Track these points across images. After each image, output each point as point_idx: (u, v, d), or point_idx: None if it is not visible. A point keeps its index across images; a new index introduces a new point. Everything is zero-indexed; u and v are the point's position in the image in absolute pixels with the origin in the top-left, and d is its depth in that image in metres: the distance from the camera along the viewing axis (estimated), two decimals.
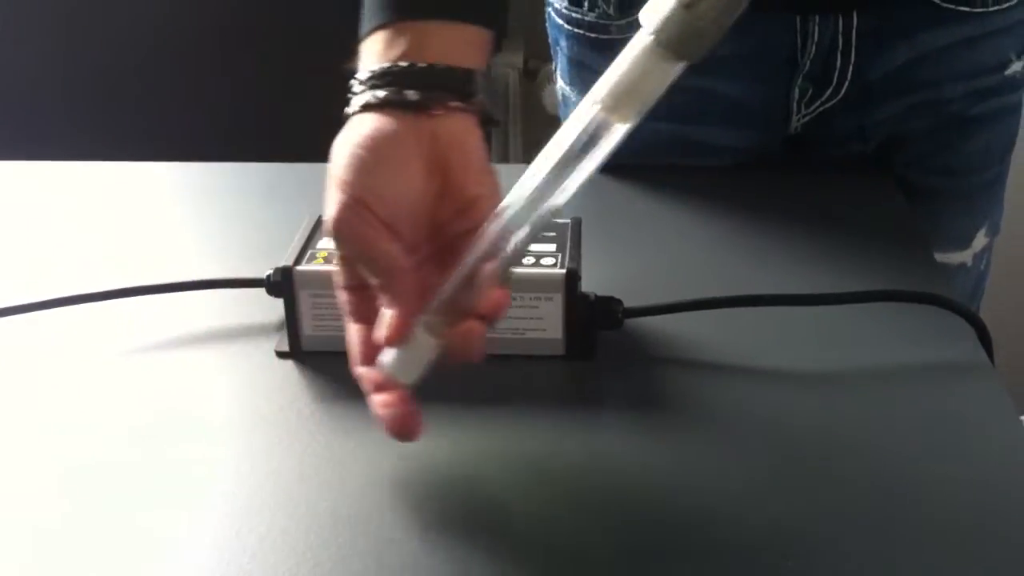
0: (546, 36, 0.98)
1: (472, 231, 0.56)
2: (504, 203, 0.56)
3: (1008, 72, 0.89)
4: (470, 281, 0.55)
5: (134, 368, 0.69)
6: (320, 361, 0.68)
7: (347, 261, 0.59)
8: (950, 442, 0.60)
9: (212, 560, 0.54)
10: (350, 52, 0.61)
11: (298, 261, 0.67)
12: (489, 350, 0.67)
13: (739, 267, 0.77)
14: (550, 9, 0.94)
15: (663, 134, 0.91)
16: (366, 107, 0.58)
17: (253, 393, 0.66)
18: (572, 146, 0.55)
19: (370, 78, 0.59)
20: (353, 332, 0.59)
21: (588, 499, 0.57)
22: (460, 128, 0.59)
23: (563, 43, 0.93)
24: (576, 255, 0.67)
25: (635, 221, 0.86)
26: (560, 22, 0.92)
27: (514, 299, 0.66)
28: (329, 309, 0.67)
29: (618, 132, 0.54)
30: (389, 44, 0.59)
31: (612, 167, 0.91)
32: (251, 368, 0.68)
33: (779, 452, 0.60)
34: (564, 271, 0.65)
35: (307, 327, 0.68)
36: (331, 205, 0.57)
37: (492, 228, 0.55)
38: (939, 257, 0.91)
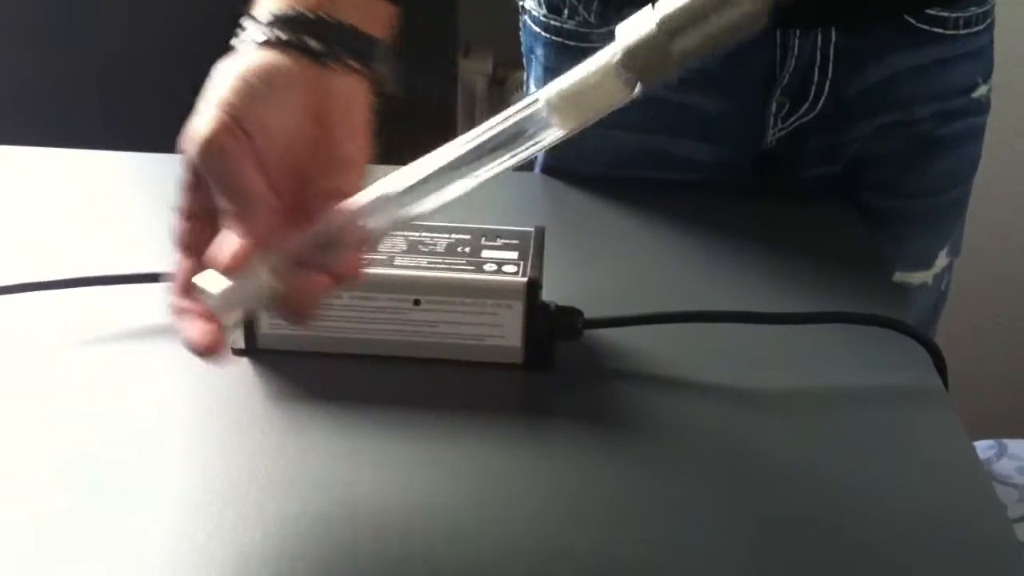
0: (515, 44, 0.98)
1: (336, 193, 0.56)
2: (400, 173, 0.55)
3: (975, 95, 0.90)
4: (334, 238, 0.54)
5: (85, 361, 0.68)
6: (275, 359, 0.68)
7: (197, 185, 0.56)
8: (902, 466, 0.61)
9: (159, 556, 0.53)
10: None
11: None
12: (447, 356, 0.67)
13: (699, 283, 0.77)
14: (526, 17, 0.94)
15: (634, 145, 0.91)
16: (265, 43, 0.57)
17: (207, 390, 0.66)
18: (497, 136, 0.54)
19: (274, 21, 0.58)
20: (183, 263, 0.56)
21: (541, 510, 0.57)
22: (351, 88, 0.59)
23: (539, 51, 0.93)
24: (538, 264, 0.67)
25: (599, 232, 0.86)
26: (537, 30, 0.92)
27: (474, 305, 0.66)
28: None
29: (551, 135, 0.53)
30: None
31: (580, 177, 0.93)
32: (206, 364, 0.67)
33: (729, 470, 0.60)
34: (525, 279, 0.65)
35: (265, 324, 0.67)
36: (205, 123, 0.54)
37: (375, 191, 0.54)
38: (901, 277, 0.92)
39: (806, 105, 0.88)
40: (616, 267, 0.80)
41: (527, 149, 0.55)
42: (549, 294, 0.67)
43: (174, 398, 0.65)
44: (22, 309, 0.72)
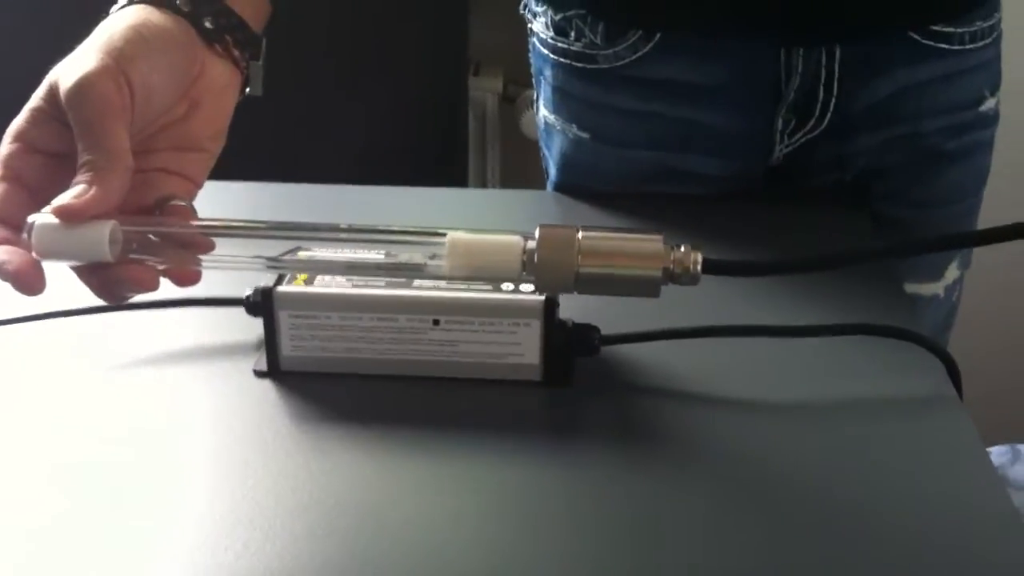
0: (525, 63, 0.99)
1: (176, 174, 0.56)
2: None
3: (982, 108, 0.91)
4: (185, 241, 0.54)
5: (112, 384, 0.69)
6: (298, 381, 0.68)
7: (51, 118, 0.53)
8: (919, 475, 0.61)
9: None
10: None
11: (278, 281, 0.68)
12: (467, 374, 0.68)
13: (713, 297, 0.78)
14: (534, 39, 0.95)
15: (646, 162, 0.92)
16: (158, 3, 0.57)
17: (231, 412, 0.66)
18: (390, 241, 0.56)
19: None
20: (8, 189, 0.53)
21: (562, 526, 0.58)
22: (226, 77, 0.60)
23: (548, 72, 0.94)
24: None
25: None
26: (545, 52, 0.93)
27: (492, 324, 0.66)
28: (308, 330, 0.67)
29: (433, 268, 0.56)
30: None
31: (593, 193, 0.93)
32: (229, 386, 0.69)
33: (748, 482, 0.61)
34: (543, 298, 0.66)
35: (286, 347, 0.68)
36: (86, 63, 0.52)
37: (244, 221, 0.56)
38: (911, 288, 0.92)
39: (812, 121, 0.88)
40: None
41: (403, 268, 0.57)
42: (566, 311, 0.68)
43: (198, 420, 0.66)
44: (48, 335, 0.73)
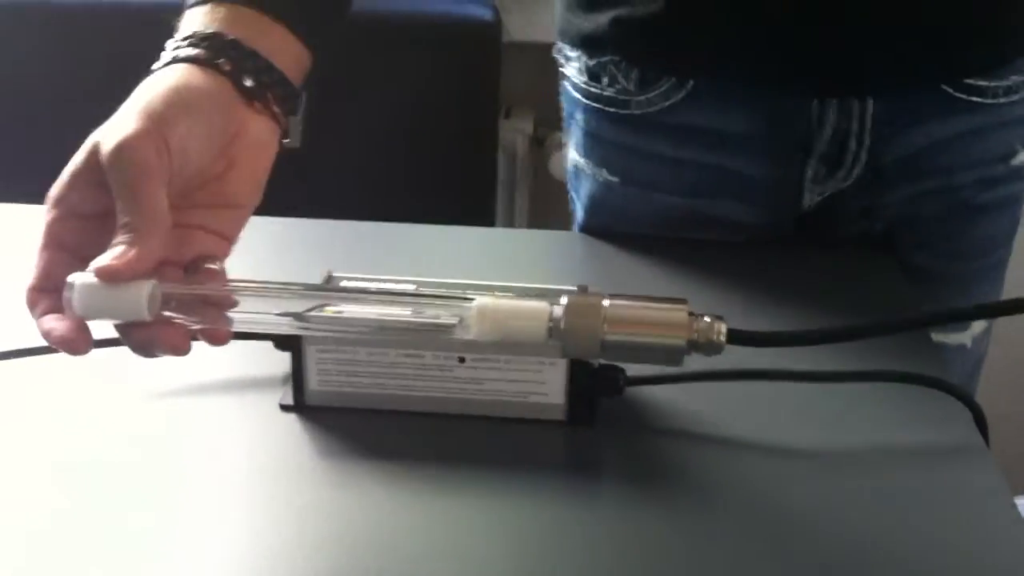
0: (555, 104, 0.99)
1: (214, 232, 0.57)
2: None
3: (1014, 162, 0.90)
4: (220, 302, 0.55)
5: (138, 415, 0.69)
6: (324, 416, 0.69)
7: (92, 182, 0.54)
8: (946, 525, 0.61)
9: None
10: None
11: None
12: (491, 412, 0.68)
13: None
14: (566, 83, 0.95)
15: (675, 207, 0.92)
16: (195, 61, 0.57)
17: (256, 445, 0.67)
18: (417, 306, 0.57)
19: (204, 41, 0.58)
20: (50, 254, 0.55)
21: (585, 566, 0.58)
22: (265, 135, 0.60)
23: (579, 116, 0.94)
24: None
25: (639, 289, 0.85)
26: (577, 96, 0.93)
27: (518, 362, 0.67)
28: (336, 364, 0.68)
29: (461, 331, 0.56)
30: (231, 20, 0.59)
31: (621, 236, 0.94)
32: (256, 420, 0.69)
33: (772, 529, 0.61)
34: None
35: (313, 381, 0.69)
36: (126, 126, 0.53)
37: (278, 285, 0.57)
38: (938, 338, 0.92)
39: (843, 171, 0.88)
40: None
41: (431, 329, 0.57)
42: None
43: (223, 452, 0.66)
44: (74, 365, 0.73)
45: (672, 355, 0.56)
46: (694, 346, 0.56)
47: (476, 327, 0.55)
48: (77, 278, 0.53)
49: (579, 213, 1.00)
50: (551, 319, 0.55)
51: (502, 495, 0.63)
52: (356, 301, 0.58)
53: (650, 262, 0.91)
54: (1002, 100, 0.86)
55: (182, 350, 0.55)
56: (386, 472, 0.64)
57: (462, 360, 0.67)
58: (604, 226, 0.96)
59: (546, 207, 1.74)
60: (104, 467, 0.64)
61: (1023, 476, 1.27)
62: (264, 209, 0.85)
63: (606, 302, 0.56)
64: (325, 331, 0.60)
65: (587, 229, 0.98)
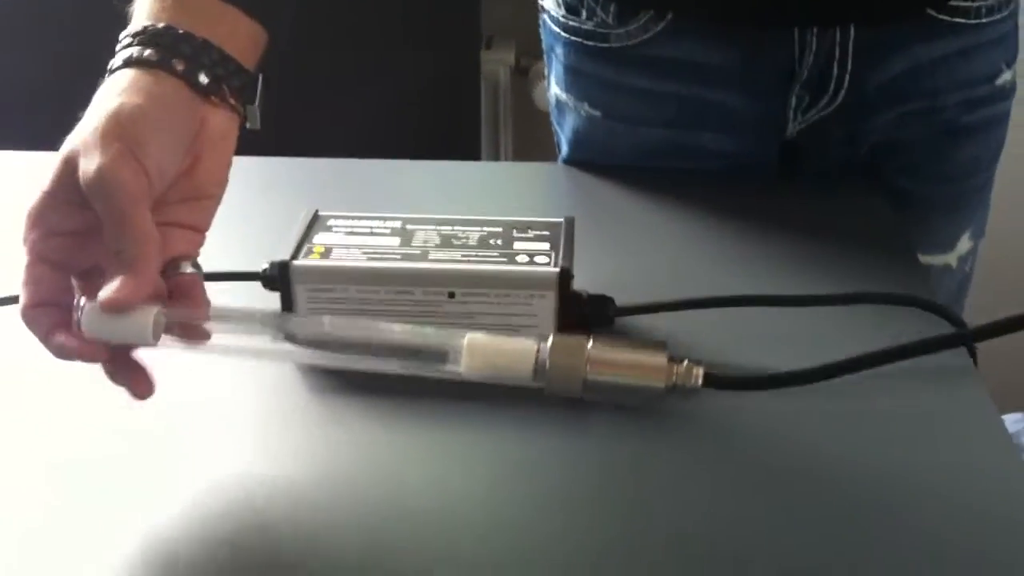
0: (537, 35, 0.98)
1: (188, 226, 0.58)
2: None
3: (999, 82, 0.90)
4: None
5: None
6: None
7: (60, 202, 0.55)
8: (933, 443, 0.61)
9: (202, 546, 0.55)
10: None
11: (295, 255, 0.68)
12: None
13: (728, 269, 0.78)
14: (545, 16, 0.94)
15: (659, 139, 0.92)
16: (148, 64, 0.57)
17: (246, 385, 0.67)
18: (407, 342, 0.58)
19: (154, 38, 0.57)
20: (40, 273, 0.55)
21: (574, 499, 0.59)
22: (225, 124, 0.60)
23: (559, 50, 0.93)
24: (569, 254, 0.68)
25: (628, 221, 0.87)
26: (556, 29, 0.93)
27: (507, 296, 0.67)
28: (325, 303, 0.68)
29: (450, 367, 0.57)
30: (181, 10, 0.58)
31: (606, 167, 0.94)
32: (245, 359, 0.69)
33: (757, 453, 0.61)
34: (557, 269, 0.66)
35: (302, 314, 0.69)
36: (102, 154, 0.53)
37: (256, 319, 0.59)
38: (924, 259, 0.92)
39: (826, 98, 0.88)
40: (645, 255, 0.81)
41: (419, 368, 0.58)
42: (580, 283, 0.68)
43: (215, 394, 0.67)
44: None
45: (650, 396, 0.57)
46: (672, 388, 0.57)
47: (466, 362, 0.56)
48: (86, 304, 0.55)
49: (563, 147, 0.99)
50: (536, 359, 0.56)
51: (494, 426, 0.63)
52: (350, 352, 0.59)
53: (635, 193, 0.91)
54: (984, 20, 0.86)
55: (141, 395, 0.58)
56: (379, 408, 0.65)
57: (452, 295, 0.67)
58: (589, 159, 0.96)
59: (532, 137, 1.73)
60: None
61: (1011, 395, 1.29)
62: (248, 149, 0.85)
63: (590, 343, 0.57)
64: (319, 360, 0.62)
65: (572, 162, 0.98)
